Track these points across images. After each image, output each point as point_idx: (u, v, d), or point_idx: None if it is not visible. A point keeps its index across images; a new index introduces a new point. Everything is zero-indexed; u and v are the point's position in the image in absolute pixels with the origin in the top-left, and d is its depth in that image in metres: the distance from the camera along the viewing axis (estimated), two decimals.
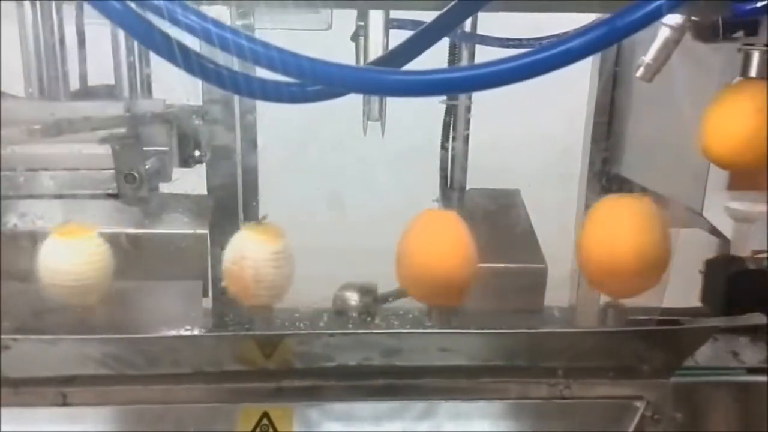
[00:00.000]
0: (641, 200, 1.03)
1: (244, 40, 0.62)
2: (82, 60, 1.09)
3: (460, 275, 0.99)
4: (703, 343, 1.07)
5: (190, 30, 0.62)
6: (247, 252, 0.97)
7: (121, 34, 1.05)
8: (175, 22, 0.61)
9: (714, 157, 0.92)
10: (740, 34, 0.88)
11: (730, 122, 0.89)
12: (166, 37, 0.64)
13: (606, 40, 0.65)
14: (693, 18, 0.85)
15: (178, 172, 1.07)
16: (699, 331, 1.07)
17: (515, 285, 1.06)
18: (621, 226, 0.99)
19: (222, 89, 0.70)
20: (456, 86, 0.76)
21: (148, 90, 1.10)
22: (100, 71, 1.08)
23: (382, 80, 0.68)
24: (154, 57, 1.03)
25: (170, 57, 0.64)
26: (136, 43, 1.06)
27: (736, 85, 0.91)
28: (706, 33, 0.88)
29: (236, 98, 1.05)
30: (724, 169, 0.96)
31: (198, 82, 0.93)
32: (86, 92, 1.11)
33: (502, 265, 1.06)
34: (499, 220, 1.15)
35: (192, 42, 0.66)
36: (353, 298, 1.10)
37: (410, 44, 0.72)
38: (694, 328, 1.10)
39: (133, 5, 0.64)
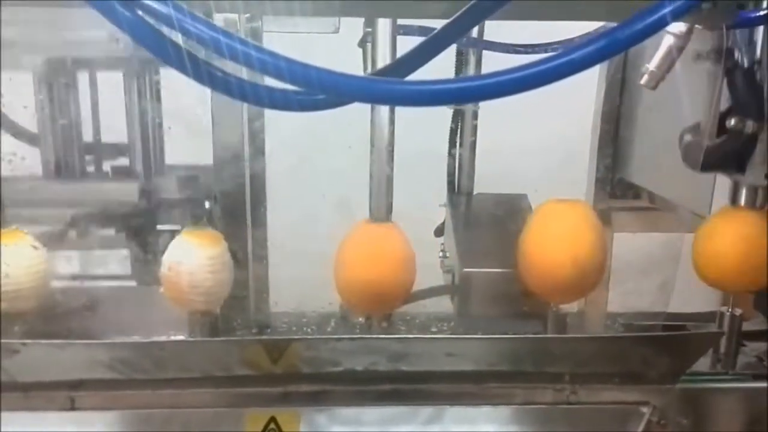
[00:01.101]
0: (578, 205, 1.04)
1: (253, 50, 0.62)
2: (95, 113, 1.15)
3: (393, 284, 1.00)
4: (709, 349, 1.07)
5: (200, 40, 0.62)
6: (184, 257, 0.96)
7: (134, 92, 1.10)
8: (185, 32, 0.62)
9: (705, 279, 0.97)
10: None
11: (718, 248, 0.95)
12: (175, 46, 0.65)
13: (610, 50, 0.65)
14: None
15: None
16: (705, 337, 1.06)
17: (522, 289, 1.06)
18: (556, 231, 1.01)
19: (231, 98, 0.70)
20: (460, 96, 0.77)
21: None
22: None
23: (390, 90, 0.68)
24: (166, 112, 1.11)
25: (180, 66, 0.65)
26: (148, 98, 1.12)
27: (724, 211, 0.97)
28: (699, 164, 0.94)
29: (244, 105, 1.05)
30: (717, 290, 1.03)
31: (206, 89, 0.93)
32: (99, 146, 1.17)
33: (508, 270, 1.06)
34: (506, 224, 1.15)
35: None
36: None
37: (418, 52, 0.73)
38: (701, 333, 1.10)
39: (143, 14, 0.64)
